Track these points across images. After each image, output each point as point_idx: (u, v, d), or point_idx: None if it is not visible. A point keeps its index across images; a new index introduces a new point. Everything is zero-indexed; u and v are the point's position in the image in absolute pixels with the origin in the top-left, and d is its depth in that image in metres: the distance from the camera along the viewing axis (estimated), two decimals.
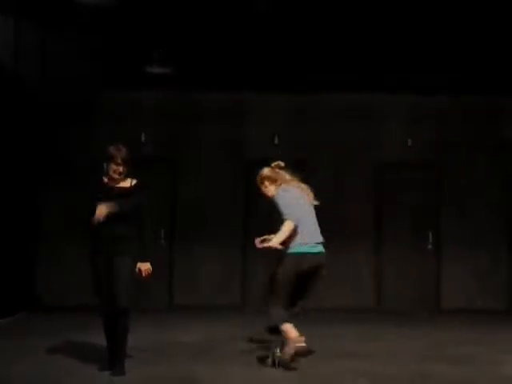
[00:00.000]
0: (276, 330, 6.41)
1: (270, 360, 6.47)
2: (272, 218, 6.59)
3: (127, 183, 6.22)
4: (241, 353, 7.17)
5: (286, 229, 6.35)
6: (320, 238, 6.60)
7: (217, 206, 10.95)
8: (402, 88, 10.66)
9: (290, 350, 6.31)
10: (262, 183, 6.91)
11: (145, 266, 6.16)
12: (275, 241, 6.34)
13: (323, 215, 10.85)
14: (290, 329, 6.33)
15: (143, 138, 10.66)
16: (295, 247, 6.42)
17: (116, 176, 6.15)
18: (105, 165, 6.19)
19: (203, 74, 10.56)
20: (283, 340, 6.37)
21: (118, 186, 6.18)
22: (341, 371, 6.35)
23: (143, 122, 10.87)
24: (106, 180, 6.20)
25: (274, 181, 6.85)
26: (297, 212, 6.47)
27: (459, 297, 10.91)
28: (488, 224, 10.92)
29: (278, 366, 6.35)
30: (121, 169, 6.13)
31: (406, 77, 10.48)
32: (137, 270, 6.12)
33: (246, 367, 6.49)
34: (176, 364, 6.56)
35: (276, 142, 11.01)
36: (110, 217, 5.99)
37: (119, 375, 6.01)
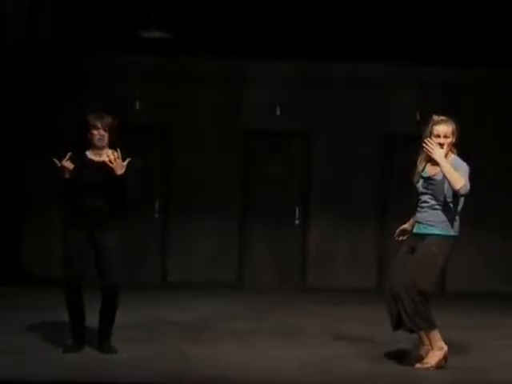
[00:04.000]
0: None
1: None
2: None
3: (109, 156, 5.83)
4: (235, 332, 7.05)
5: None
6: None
7: (214, 179, 10.71)
8: (411, 59, 10.32)
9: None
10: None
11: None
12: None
13: (325, 189, 11.12)
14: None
15: (137, 106, 10.35)
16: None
17: (100, 144, 5.75)
18: (88, 136, 5.80)
19: (202, 40, 10.25)
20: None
21: (99, 159, 5.78)
22: (340, 355, 6.18)
23: (138, 88, 10.55)
24: (87, 153, 5.81)
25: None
26: None
27: (465, 279, 10.60)
28: (499, 203, 10.63)
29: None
30: (103, 133, 5.73)
31: (415, 47, 10.17)
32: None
33: (240, 347, 6.36)
34: (168, 343, 6.44)
35: (278, 113, 10.74)
36: (86, 189, 5.71)
37: (111, 353, 5.82)
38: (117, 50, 10.31)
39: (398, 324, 5.69)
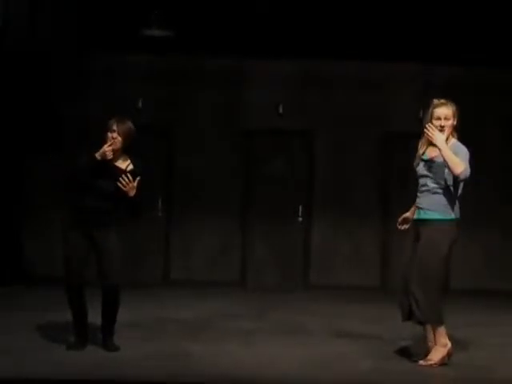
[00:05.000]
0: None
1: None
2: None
3: (124, 164, 5.81)
4: (237, 330, 7.00)
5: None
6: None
7: (215, 178, 10.66)
8: (412, 59, 10.28)
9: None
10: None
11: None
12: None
13: (326, 189, 11.07)
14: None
15: (140, 105, 10.31)
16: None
17: (112, 146, 5.69)
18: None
19: (204, 39, 10.20)
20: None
21: (113, 163, 5.77)
22: (342, 353, 6.15)
23: (140, 87, 10.51)
24: (98, 157, 5.71)
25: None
26: None
27: (468, 277, 10.55)
28: (500, 202, 10.58)
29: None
30: (115, 136, 5.69)
31: (416, 47, 10.12)
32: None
33: (242, 345, 6.33)
34: (170, 341, 6.40)
35: (280, 111, 10.68)
36: (88, 189, 5.72)
37: (114, 350, 5.83)
38: (117, 49, 10.24)
39: (408, 315, 5.65)
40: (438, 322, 5.60)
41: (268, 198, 10.77)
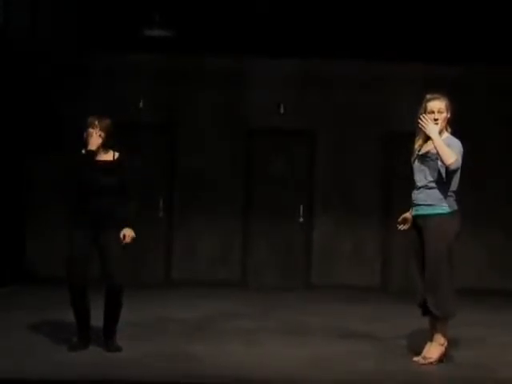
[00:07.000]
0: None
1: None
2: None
3: (110, 156, 5.90)
4: (239, 330, 6.99)
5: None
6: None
7: (217, 178, 10.66)
8: (413, 58, 10.28)
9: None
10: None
11: (129, 232, 5.87)
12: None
13: (328, 188, 11.06)
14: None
15: (141, 105, 10.31)
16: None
17: (96, 142, 5.78)
18: (84, 134, 5.86)
19: (205, 38, 10.21)
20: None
21: (101, 159, 5.84)
22: (344, 352, 6.14)
23: (140, 87, 10.49)
24: (84, 151, 5.82)
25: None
26: None
27: (470, 276, 10.51)
28: (501, 202, 10.57)
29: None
30: (99, 132, 5.76)
31: (417, 47, 10.15)
32: (121, 235, 5.84)
33: (244, 345, 6.31)
34: (172, 341, 6.40)
35: (282, 111, 10.67)
36: (91, 189, 5.75)
37: (115, 351, 5.82)
38: (117, 49, 10.25)
39: (425, 310, 5.66)
40: (450, 315, 5.61)
41: (269, 197, 10.76)
